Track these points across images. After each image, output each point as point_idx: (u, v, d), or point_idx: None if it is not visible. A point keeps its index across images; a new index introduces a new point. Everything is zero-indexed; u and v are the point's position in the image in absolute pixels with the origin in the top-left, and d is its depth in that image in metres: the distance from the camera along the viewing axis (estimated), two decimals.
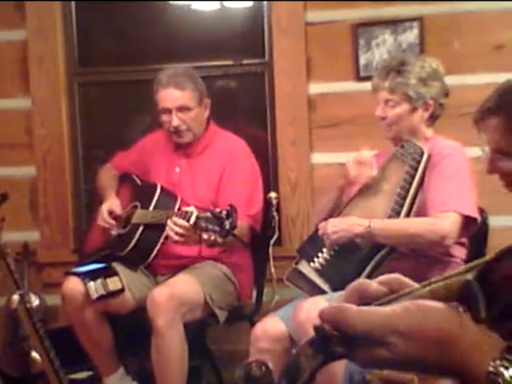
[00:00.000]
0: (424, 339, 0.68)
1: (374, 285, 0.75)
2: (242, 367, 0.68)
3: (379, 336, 0.68)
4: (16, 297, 1.67)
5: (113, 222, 2.97)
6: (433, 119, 2.52)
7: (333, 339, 0.68)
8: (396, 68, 2.44)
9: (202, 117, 2.99)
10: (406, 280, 0.76)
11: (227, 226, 2.36)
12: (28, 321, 1.64)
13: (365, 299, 0.74)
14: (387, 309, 0.70)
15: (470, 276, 0.70)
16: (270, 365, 0.67)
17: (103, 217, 2.97)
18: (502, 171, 1.63)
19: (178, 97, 2.89)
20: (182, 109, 2.90)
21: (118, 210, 2.99)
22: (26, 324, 1.67)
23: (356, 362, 0.70)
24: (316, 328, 0.69)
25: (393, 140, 2.52)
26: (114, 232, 2.99)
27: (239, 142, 3.05)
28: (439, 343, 0.68)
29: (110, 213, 2.99)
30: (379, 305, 0.72)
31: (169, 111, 2.91)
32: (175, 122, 2.90)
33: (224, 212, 2.38)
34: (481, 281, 0.69)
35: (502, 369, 0.65)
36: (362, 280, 0.76)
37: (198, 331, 2.97)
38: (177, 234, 2.53)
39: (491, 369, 0.65)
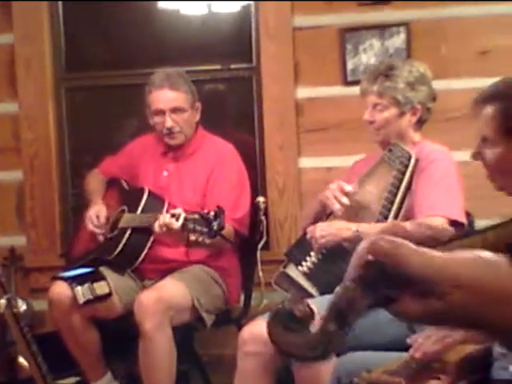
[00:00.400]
0: (484, 294, 0.62)
1: (417, 227, 0.69)
2: (279, 308, 0.62)
3: (436, 282, 0.61)
4: (3, 301, 1.66)
5: (102, 224, 2.96)
6: (420, 123, 2.53)
7: (386, 278, 0.60)
8: (384, 72, 2.45)
9: (194, 120, 3.00)
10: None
11: (215, 227, 2.37)
12: (15, 325, 1.63)
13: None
14: (448, 254, 0.63)
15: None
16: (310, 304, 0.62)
17: (93, 222, 2.97)
18: (483, 159, 1.66)
19: (172, 98, 2.90)
20: (175, 110, 2.91)
21: (103, 218, 2.99)
22: (13, 329, 1.66)
23: (402, 312, 0.62)
24: (368, 263, 0.61)
25: (381, 144, 2.53)
26: (101, 238, 2.99)
27: (227, 146, 3.06)
28: (500, 301, 0.62)
29: (97, 218, 2.98)
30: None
31: (162, 112, 2.91)
32: (169, 123, 2.91)
33: (212, 213, 2.39)
34: None
35: None
36: (399, 224, 0.71)
37: (185, 335, 2.97)
38: (165, 227, 2.52)
39: None
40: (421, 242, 0.68)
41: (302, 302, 0.62)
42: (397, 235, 0.66)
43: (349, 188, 2.41)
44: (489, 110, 1.63)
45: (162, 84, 2.90)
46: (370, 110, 2.49)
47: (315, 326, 0.61)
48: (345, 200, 2.39)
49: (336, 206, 2.40)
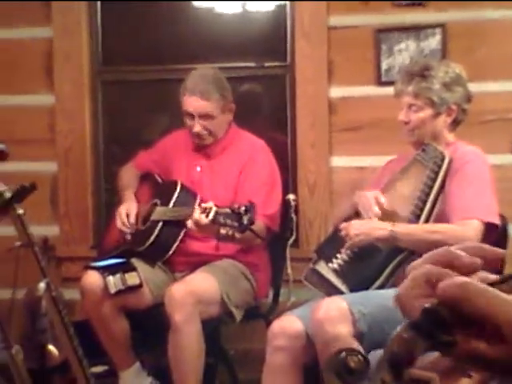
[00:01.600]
0: None
1: (467, 256, 0.62)
2: (334, 357, 0.60)
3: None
4: (42, 285, 1.70)
5: (129, 224, 2.99)
6: (455, 124, 2.53)
7: (447, 324, 0.57)
8: (420, 73, 2.45)
9: (225, 122, 3.01)
10: (493, 249, 0.64)
11: (245, 222, 2.39)
12: (53, 308, 1.67)
13: (456, 271, 0.61)
14: None
15: None
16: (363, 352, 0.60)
17: (122, 219, 3.00)
18: None
19: (202, 105, 2.91)
20: (205, 116, 2.93)
21: (132, 217, 3.02)
22: (51, 312, 1.70)
23: (452, 354, 0.59)
24: (427, 310, 0.58)
25: (414, 145, 2.53)
26: (128, 236, 3.02)
27: (259, 142, 3.07)
28: None
29: (128, 216, 3.02)
30: (491, 284, 0.59)
31: (192, 116, 2.94)
32: (197, 128, 2.94)
33: (242, 207, 2.41)
34: None
35: None
36: (447, 250, 0.63)
37: (213, 329, 2.99)
38: (197, 226, 2.56)
39: None
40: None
41: (357, 352, 0.59)
42: (449, 264, 0.62)
43: (383, 200, 2.42)
44: None
45: (193, 91, 2.91)
46: (405, 110, 2.49)
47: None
48: (376, 210, 2.40)
49: (368, 214, 2.42)
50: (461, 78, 2.49)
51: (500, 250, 0.64)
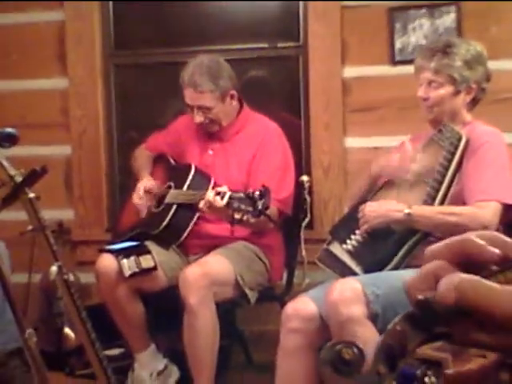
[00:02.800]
0: None
1: (486, 247, 0.61)
2: (328, 349, 0.61)
3: None
4: (54, 268, 1.71)
5: (147, 198, 3.00)
6: (474, 103, 2.49)
7: (441, 316, 0.57)
8: (442, 49, 2.42)
9: (228, 108, 2.98)
10: (509, 240, 0.63)
11: (260, 207, 2.38)
12: (66, 291, 1.67)
13: (473, 261, 0.61)
14: None
15: None
16: (360, 346, 0.60)
17: (138, 194, 3.01)
18: None
19: (197, 98, 2.90)
20: (202, 108, 2.92)
21: (155, 189, 3.03)
22: (64, 295, 1.70)
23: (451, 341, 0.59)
24: (419, 302, 0.59)
25: (432, 122, 2.49)
26: (143, 214, 3.02)
27: (272, 125, 3.05)
28: None
29: (146, 191, 3.02)
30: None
31: (191, 107, 2.94)
32: (197, 119, 2.93)
33: (257, 192, 2.40)
34: None
35: None
36: (468, 239, 0.63)
37: (227, 311, 3.00)
38: (210, 205, 2.55)
39: None
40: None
41: (352, 344, 0.60)
42: (467, 255, 0.62)
43: (409, 147, 2.41)
44: None
45: (189, 83, 2.89)
46: (425, 86, 2.45)
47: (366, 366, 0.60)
48: (414, 167, 2.38)
49: (407, 177, 2.39)
50: (482, 57, 2.46)
51: None
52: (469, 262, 0.61)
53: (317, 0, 3.31)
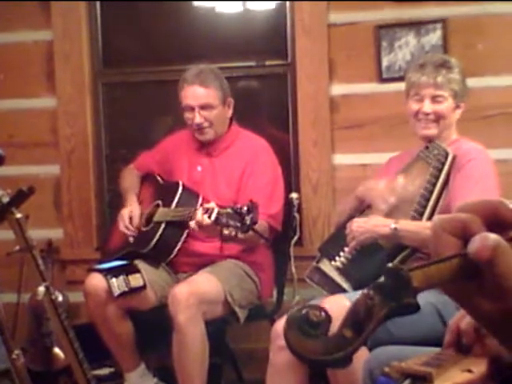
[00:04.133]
0: None
1: None
2: (295, 312, 0.61)
3: None
4: (42, 289, 1.70)
5: (133, 228, 3.00)
6: (458, 120, 2.53)
7: (410, 286, 0.58)
8: (444, 64, 2.45)
9: (225, 116, 3.01)
10: None
11: (248, 222, 2.39)
12: (53, 312, 1.66)
13: (501, 223, 0.62)
14: None
15: None
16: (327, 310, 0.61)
17: (125, 223, 3.01)
18: None
19: (202, 94, 2.92)
20: (205, 106, 2.93)
21: (136, 219, 3.02)
22: (51, 315, 1.69)
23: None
24: (389, 270, 0.59)
25: (430, 137, 2.49)
26: (131, 239, 3.02)
27: (261, 141, 3.07)
28: None
29: (130, 218, 3.02)
30: None
31: (192, 108, 2.94)
32: (197, 119, 2.94)
33: (245, 208, 2.41)
34: None
35: None
36: (501, 200, 0.64)
37: (218, 329, 2.99)
38: (199, 227, 2.57)
39: None
40: None
41: (318, 307, 0.61)
42: (497, 216, 0.64)
43: (399, 182, 2.42)
44: None
45: (193, 80, 2.93)
46: (429, 102, 2.46)
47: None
48: (392, 200, 2.40)
49: (382, 207, 2.41)
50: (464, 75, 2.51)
51: None
52: (495, 224, 0.62)
53: (301, 0, 3.33)
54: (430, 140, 2.48)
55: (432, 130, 2.47)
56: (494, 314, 0.60)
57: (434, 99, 2.45)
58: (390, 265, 0.59)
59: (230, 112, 3.03)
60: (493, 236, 0.60)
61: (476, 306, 0.61)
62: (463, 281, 0.61)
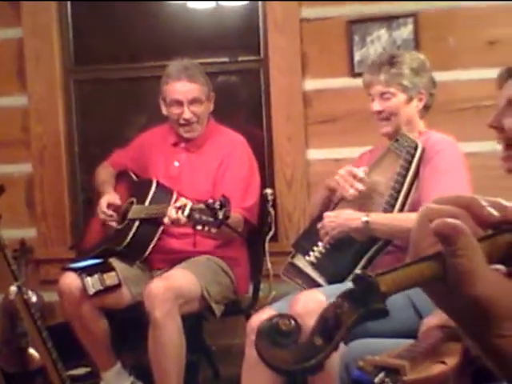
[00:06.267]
0: None
1: (487, 208, 0.65)
2: (265, 322, 0.62)
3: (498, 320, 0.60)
4: (14, 288, 1.68)
5: (111, 213, 2.98)
6: (425, 110, 2.54)
7: (378, 292, 0.59)
8: (388, 61, 2.47)
9: (209, 110, 3.02)
10: (510, 206, 0.66)
11: (220, 217, 2.38)
12: (25, 312, 1.65)
13: (475, 220, 0.64)
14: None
15: None
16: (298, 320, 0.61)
17: (102, 209, 2.99)
18: (502, 126, 1.61)
19: (190, 89, 2.91)
20: (194, 101, 2.93)
21: (118, 202, 3.01)
22: (24, 315, 1.68)
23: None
24: (356, 276, 0.60)
25: (389, 135, 2.52)
26: (113, 224, 2.99)
27: (238, 136, 3.08)
28: None
29: (109, 205, 3.00)
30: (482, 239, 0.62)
31: (180, 103, 2.93)
32: (187, 114, 2.93)
33: (217, 202, 2.40)
34: None
35: None
36: (474, 197, 0.65)
37: (194, 325, 2.98)
38: (173, 223, 2.56)
39: None
40: None
41: (288, 316, 0.62)
42: (471, 212, 0.65)
43: (360, 173, 2.42)
44: None
45: (180, 75, 2.91)
46: (378, 99, 2.49)
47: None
48: (359, 185, 2.40)
49: (350, 192, 2.41)
50: (425, 64, 2.53)
51: None
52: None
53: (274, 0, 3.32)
54: (390, 136, 2.50)
55: (386, 128, 2.50)
56: (463, 307, 0.61)
57: (382, 96, 2.47)
58: (357, 271, 0.60)
59: (212, 107, 3.03)
60: (458, 221, 0.61)
61: (447, 303, 0.62)
62: (433, 283, 0.62)
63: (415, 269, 0.61)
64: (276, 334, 0.59)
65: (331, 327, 0.59)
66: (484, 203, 0.65)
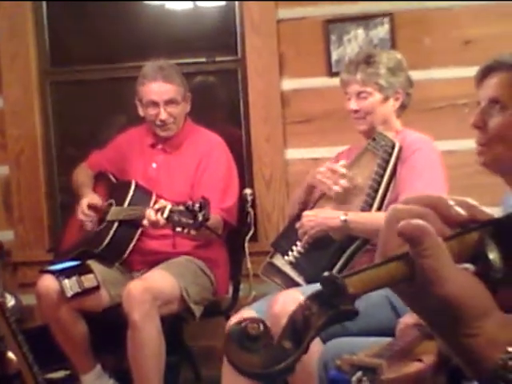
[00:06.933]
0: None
1: (455, 208, 0.65)
2: (234, 326, 0.59)
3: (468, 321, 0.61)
4: None
5: (92, 213, 2.96)
6: (401, 109, 2.56)
7: (346, 294, 0.59)
8: (364, 60, 2.48)
9: (185, 111, 3.02)
10: (476, 205, 0.67)
11: (200, 218, 2.38)
12: (0, 315, 1.63)
13: (443, 220, 0.65)
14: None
15: (485, 233, 0.64)
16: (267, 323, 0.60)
17: (83, 210, 2.96)
18: (484, 125, 1.62)
19: (166, 90, 2.91)
20: (169, 102, 2.92)
21: (99, 202, 2.99)
22: None
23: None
24: (324, 279, 0.60)
25: (366, 133, 2.54)
26: (92, 226, 2.97)
27: (215, 137, 3.07)
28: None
29: (90, 207, 2.98)
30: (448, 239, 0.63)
31: (156, 104, 2.92)
32: (163, 115, 2.92)
33: (197, 204, 2.40)
34: (497, 239, 0.63)
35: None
36: (441, 197, 0.66)
37: (174, 327, 2.98)
38: (152, 224, 2.56)
39: (500, 362, 0.60)
40: None
41: (257, 320, 0.61)
42: (437, 211, 0.66)
43: (341, 169, 2.43)
44: (505, 74, 1.60)
45: (156, 76, 2.90)
46: (354, 99, 2.50)
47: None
48: (343, 182, 2.41)
49: (335, 189, 2.41)
50: (402, 63, 2.54)
51: (488, 212, 0.66)
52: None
53: None
54: (366, 134, 2.51)
55: (361, 126, 2.52)
56: (432, 307, 0.62)
57: (359, 96, 2.49)
58: (325, 274, 0.60)
59: (188, 107, 3.03)
60: (423, 221, 0.62)
61: (417, 303, 0.63)
62: (401, 283, 0.62)
63: (384, 269, 0.62)
64: (245, 339, 0.59)
65: (300, 330, 0.59)
66: (451, 202, 0.65)
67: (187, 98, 3.02)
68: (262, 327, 0.60)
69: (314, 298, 0.60)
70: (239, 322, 0.60)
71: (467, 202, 0.67)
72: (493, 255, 0.63)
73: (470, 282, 0.62)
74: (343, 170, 2.42)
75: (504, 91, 1.58)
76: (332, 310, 0.59)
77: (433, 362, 1.35)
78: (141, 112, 3.01)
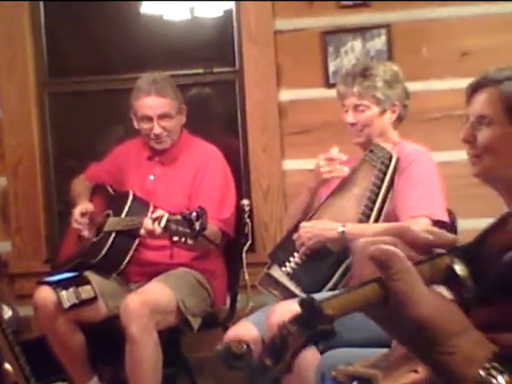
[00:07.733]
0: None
1: (422, 233, 0.69)
2: (221, 347, 0.67)
3: (443, 338, 0.64)
4: None
5: (85, 221, 2.96)
6: (398, 121, 2.57)
7: (323, 314, 0.63)
8: (361, 73, 2.49)
9: (180, 123, 3.02)
10: (441, 231, 0.71)
11: (197, 228, 2.38)
12: None
13: (410, 245, 0.68)
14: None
15: (455, 256, 0.68)
16: (250, 344, 0.66)
17: (75, 217, 2.96)
18: (474, 140, 1.68)
19: (160, 104, 2.91)
20: (163, 116, 2.92)
21: (91, 209, 2.99)
22: None
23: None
24: (302, 301, 0.64)
25: (363, 145, 2.55)
26: (86, 234, 2.97)
27: (212, 148, 3.08)
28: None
29: (83, 214, 2.98)
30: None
31: (149, 119, 2.93)
32: (157, 130, 2.92)
33: (194, 214, 2.40)
34: (466, 261, 0.68)
35: (491, 378, 0.63)
36: (404, 225, 0.70)
37: (172, 338, 2.97)
38: (149, 234, 2.56)
39: (479, 378, 0.63)
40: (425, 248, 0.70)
41: (240, 340, 0.67)
42: (404, 239, 0.69)
43: (338, 154, 2.46)
44: (492, 90, 1.66)
45: (149, 90, 2.91)
46: (352, 111, 2.51)
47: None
48: (344, 167, 2.43)
49: (337, 174, 2.43)
50: (398, 76, 2.55)
51: (449, 235, 0.70)
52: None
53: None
54: (362, 146, 2.52)
55: (358, 138, 2.53)
56: (406, 328, 0.64)
57: (356, 109, 2.50)
58: (303, 297, 0.65)
59: (183, 119, 3.03)
60: (392, 247, 0.66)
61: (392, 325, 0.66)
62: (377, 306, 0.66)
63: (360, 292, 0.66)
64: (230, 357, 0.65)
65: (279, 349, 0.63)
66: (415, 228, 0.70)
67: (182, 110, 3.01)
68: (244, 347, 0.66)
69: (292, 320, 0.65)
70: (225, 343, 0.66)
71: (427, 228, 0.72)
72: (463, 275, 0.67)
73: (441, 303, 0.64)
74: (341, 156, 2.45)
75: (490, 107, 1.65)
76: (310, 330, 0.63)
77: (428, 373, 1.35)
78: (136, 125, 3.01)
